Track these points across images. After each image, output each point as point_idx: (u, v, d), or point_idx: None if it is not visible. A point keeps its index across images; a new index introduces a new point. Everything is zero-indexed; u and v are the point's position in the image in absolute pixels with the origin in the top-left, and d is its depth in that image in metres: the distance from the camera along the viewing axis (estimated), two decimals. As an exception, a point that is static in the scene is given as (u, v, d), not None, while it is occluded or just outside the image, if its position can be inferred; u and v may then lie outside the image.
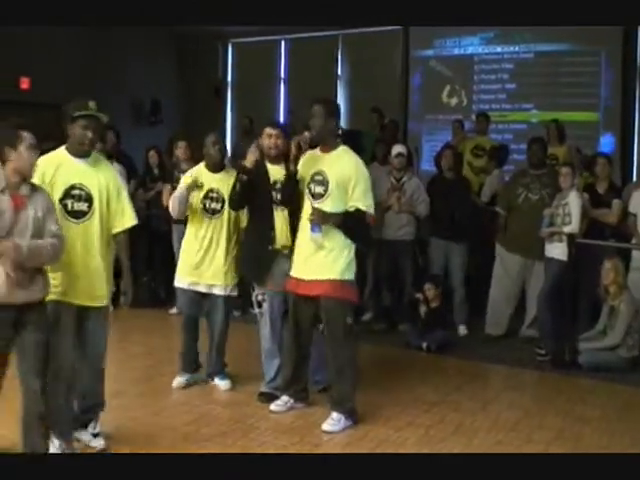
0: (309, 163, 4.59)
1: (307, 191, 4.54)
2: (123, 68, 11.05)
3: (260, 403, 4.84)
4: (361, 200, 4.41)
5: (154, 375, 5.46)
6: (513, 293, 6.67)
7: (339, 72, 11.38)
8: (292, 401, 4.76)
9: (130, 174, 8.06)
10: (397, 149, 6.88)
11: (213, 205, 5.06)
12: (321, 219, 4.38)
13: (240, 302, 7.59)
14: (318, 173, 4.49)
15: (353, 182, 4.40)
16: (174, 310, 6.96)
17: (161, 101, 11.85)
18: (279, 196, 4.73)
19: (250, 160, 4.70)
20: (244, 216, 5.07)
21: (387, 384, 5.33)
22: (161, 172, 7.81)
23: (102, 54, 10.78)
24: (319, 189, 4.48)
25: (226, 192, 5.00)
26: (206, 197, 5.07)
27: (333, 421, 4.45)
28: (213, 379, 5.26)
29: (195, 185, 5.00)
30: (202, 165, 5.22)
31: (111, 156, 7.94)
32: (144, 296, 7.57)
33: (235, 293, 5.22)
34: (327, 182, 4.44)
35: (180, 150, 7.35)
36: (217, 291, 5.10)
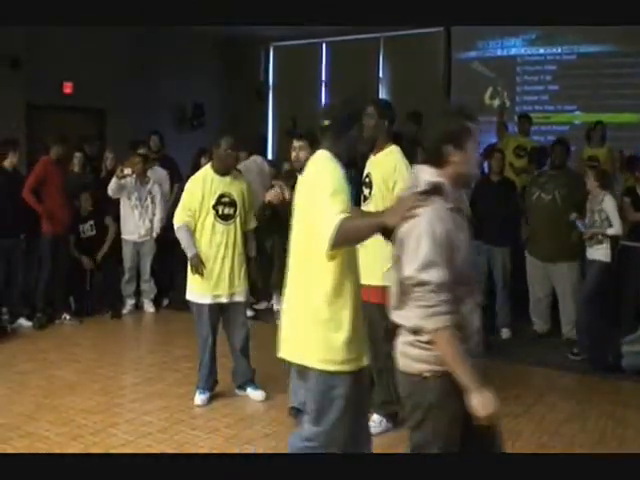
0: (368, 167, 4.53)
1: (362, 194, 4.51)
2: (165, 72, 11.17)
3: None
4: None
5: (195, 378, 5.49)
6: (544, 294, 6.68)
7: (380, 74, 11.37)
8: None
9: (174, 178, 8.17)
10: None
11: (226, 210, 4.94)
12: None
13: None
14: (367, 175, 4.47)
15: (392, 182, 4.32)
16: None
17: (203, 105, 11.97)
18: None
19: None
20: (250, 217, 5.10)
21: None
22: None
23: (144, 58, 10.93)
24: (366, 191, 4.46)
25: (237, 196, 4.98)
26: (218, 203, 4.92)
27: (374, 423, 4.39)
28: (245, 390, 5.15)
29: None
30: (208, 167, 5.06)
31: (155, 160, 8.14)
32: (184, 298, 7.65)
33: (250, 298, 5.25)
34: (372, 184, 4.40)
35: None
36: (238, 298, 5.03)
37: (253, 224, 5.17)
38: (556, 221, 6.34)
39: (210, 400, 5.01)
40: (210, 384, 5.08)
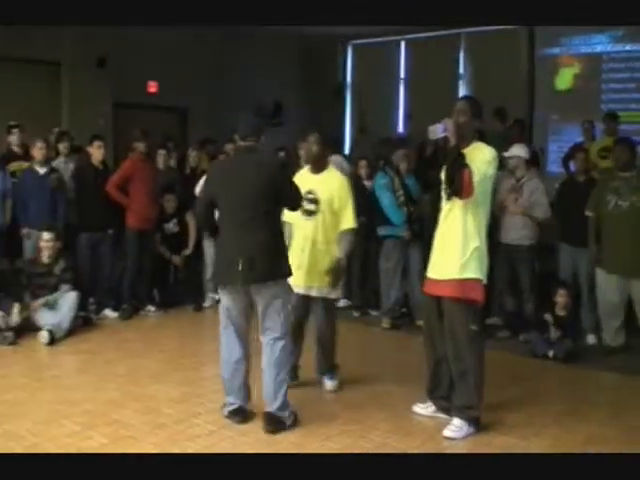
0: None
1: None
2: (246, 70, 11.31)
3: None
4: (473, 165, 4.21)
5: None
6: (617, 307, 6.22)
7: (461, 72, 11.23)
8: (433, 408, 4.67)
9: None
10: (512, 151, 6.69)
11: (309, 206, 5.03)
12: (449, 126, 4.23)
13: (360, 303, 7.73)
14: None
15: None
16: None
17: (282, 102, 12.06)
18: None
19: None
20: (345, 217, 5.03)
21: (511, 392, 5.20)
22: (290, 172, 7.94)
23: (226, 57, 11.09)
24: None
25: (322, 194, 5.00)
26: (303, 198, 5.01)
27: (455, 427, 4.36)
28: (322, 378, 5.26)
29: None
30: (307, 167, 5.22)
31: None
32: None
33: (335, 295, 5.18)
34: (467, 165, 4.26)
35: (303, 150, 7.43)
36: (315, 293, 5.07)
37: (348, 225, 5.04)
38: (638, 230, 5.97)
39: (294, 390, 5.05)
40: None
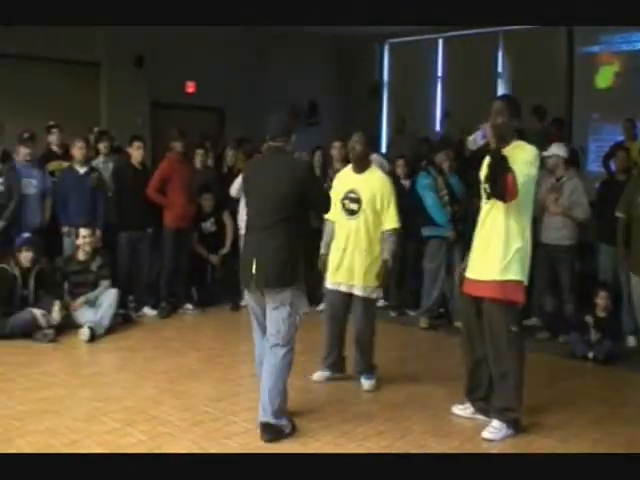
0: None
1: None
2: (281, 70, 11.34)
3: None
4: (514, 167, 4.13)
5: (310, 370, 5.48)
6: None
7: (499, 70, 11.12)
8: (472, 409, 4.64)
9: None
10: (551, 150, 6.61)
11: (351, 206, 5.07)
12: (489, 130, 4.20)
13: (397, 303, 7.70)
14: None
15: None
16: (321, 307, 7.07)
17: (318, 102, 12.06)
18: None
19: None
20: (388, 217, 5.04)
21: (550, 394, 5.15)
22: (322, 172, 7.95)
23: (262, 57, 11.12)
24: (486, 185, 4.32)
25: (365, 193, 5.02)
26: (345, 197, 5.11)
27: (494, 429, 4.32)
28: (359, 378, 5.26)
29: None
30: (350, 166, 5.26)
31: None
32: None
33: (375, 295, 5.18)
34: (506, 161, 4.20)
35: (335, 150, 7.45)
36: (356, 291, 5.10)
37: (391, 225, 5.06)
38: None
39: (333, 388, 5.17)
40: (328, 364, 5.34)
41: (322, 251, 5.31)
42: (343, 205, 5.11)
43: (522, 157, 4.19)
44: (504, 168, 4.10)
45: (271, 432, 4.19)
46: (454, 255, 6.87)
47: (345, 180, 5.21)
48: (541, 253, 6.50)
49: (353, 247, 5.05)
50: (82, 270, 6.77)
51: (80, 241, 6.80)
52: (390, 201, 5.06)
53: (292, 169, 4.25)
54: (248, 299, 4.50)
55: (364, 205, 5.03)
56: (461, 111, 10.23)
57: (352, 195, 5.07)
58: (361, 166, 5.15)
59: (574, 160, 7.14)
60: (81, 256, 6.80)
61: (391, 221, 5.06)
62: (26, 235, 6.62)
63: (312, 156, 8.12)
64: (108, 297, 6.63)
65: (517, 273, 4.27)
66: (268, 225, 4.21)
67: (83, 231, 6.80)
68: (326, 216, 5.11)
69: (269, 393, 4.19)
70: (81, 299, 6.64)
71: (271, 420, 4.18)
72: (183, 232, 7.43)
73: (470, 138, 4.35)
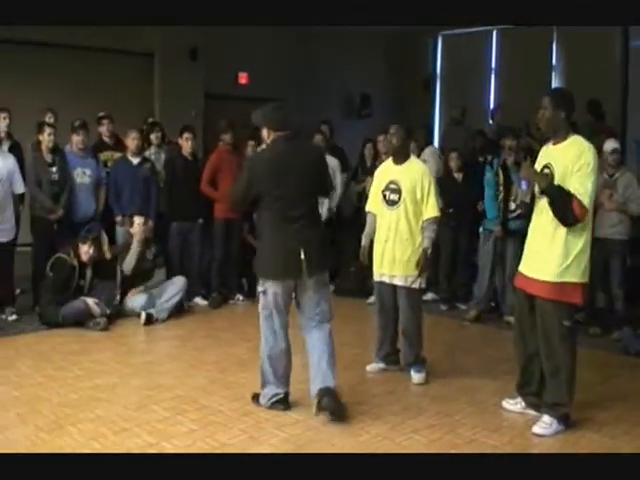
0: (543, 157, 4.40)
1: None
2: (334, 62, 11.32)
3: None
4: (573, 186, 4.08)
5: (362, 363, 5.53)
6: None
7: (554, 63, 10.92)
8: (523, 404, 4.60)
9: (343, 166, 8.27)
10: (612, 145, 6.48)
11: (392, 196, 5.14)
12: (530, 175, 4.27)
13: (447, 296, 7.64)
14: (546, 166, 4.29)
15: (571, 168, 4.10)
16: (371, 299, 7.06)
17: (370, 94, 12.01)
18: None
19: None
20: (428, 206, 5.05)
21: (601, 389, 5.07)
22: (372, 164, 7.93)
23: (314, 50, 11.12)
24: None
25: (404, 184, 5.07)
26: (386, 188, 5.18)
27: (545, 424, 4.27)
28: (409, 370, 5.26)
29: None
30: (391, 158, 5.31)
31: (325, 149, 8.27)
32: (351, 285, 7.78)
33: (418, 285, 5.16)
34: (552, 175, 4.20)
35: (380, 143, 7.42)
36: (398, 282, 5.14)
37: (431, 214, 5.08)
38: None
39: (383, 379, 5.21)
40: (381, 355, 5.43)
41: (363, 242, 5.38)
42: (384, 196, 5.18)
43: (580, 163, 4.09)
44: (565, 199, 4.07)
45: (334, 396, 4.37)
46: (507, 249, 6.80)
47: (386, 172, 5.28)
48: (595, 249, 6.36)
49: (394, 237, 5.11)
50: (138, 259, 6.87)
51: (135, 228, 6.91)
52: (430, 190, 5.08)
53: (309, 153, 4.58)
54: (275, 289, 4.50)
55: (404, 194, 5.07)
56: (514, 104, 10.07)
57: (393, 186, 5.14)
58: (400, 158, 5.21)
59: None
60: (136, 245, 6.89)
61: (431, 210, 5.09)
62: (90, 226, 6.74)
63: (363, 148, 8.12)
64: (177, 284, 6.81)
65: (576, 275, 4.19)
66: (302, 214, 4.36)
67: (137, 219, 6.91)
68: (367, 208, 5.37)
69: (328, 361, 4.47)
70: (140, 287, 6.75)
71: (331, 385, 4.39)
72: (233, 223, 7.48)
73: (519, 190, 4.58)
